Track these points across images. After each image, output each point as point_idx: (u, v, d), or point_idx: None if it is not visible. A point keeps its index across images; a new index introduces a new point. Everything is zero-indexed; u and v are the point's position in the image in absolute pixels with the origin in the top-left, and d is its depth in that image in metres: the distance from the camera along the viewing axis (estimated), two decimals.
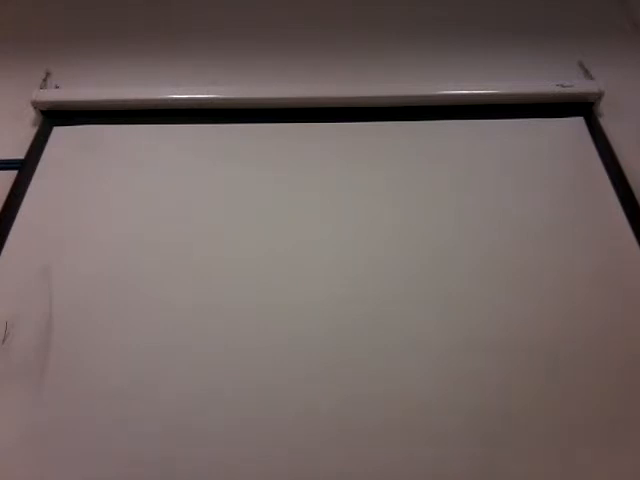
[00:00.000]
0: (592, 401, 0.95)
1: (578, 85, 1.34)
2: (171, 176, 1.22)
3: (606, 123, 1.31)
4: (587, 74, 1.38)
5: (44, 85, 1.38)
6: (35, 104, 1.32)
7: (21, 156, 1.26)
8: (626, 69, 1.43)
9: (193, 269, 1.09)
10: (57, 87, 1.39)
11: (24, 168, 1.23)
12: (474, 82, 1.38)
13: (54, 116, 1.33)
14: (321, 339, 1.01)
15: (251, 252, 1.11)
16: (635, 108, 1.35)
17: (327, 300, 1.05)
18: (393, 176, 1.22)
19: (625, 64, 1.44)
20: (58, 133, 1.29)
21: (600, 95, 1.32)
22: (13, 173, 1.23)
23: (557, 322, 1.02)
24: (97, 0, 1.56)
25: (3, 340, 0.99)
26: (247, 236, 1.13)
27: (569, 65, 1.42)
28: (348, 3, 1.56)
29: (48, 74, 1.41)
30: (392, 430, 0.93)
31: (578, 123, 1.31)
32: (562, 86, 1.33)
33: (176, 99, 1.34)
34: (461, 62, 1.45)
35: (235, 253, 1.11)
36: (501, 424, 0.93)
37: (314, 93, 1.34)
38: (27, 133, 1.30)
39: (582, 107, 1.33)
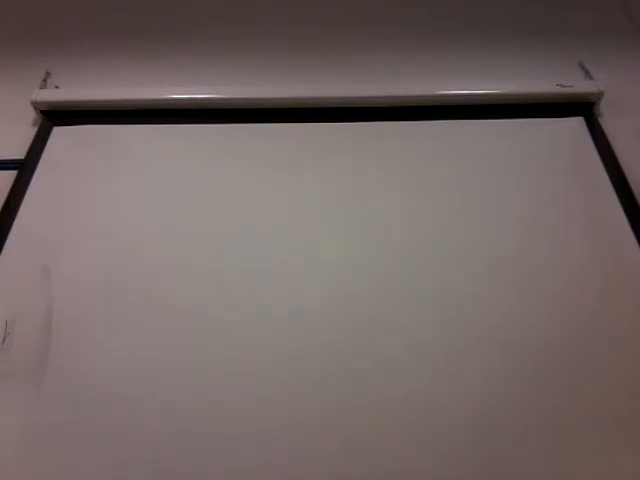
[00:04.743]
0: (593, 401, 0.95)
1: (578, 85, 1.34)
2: (171, 176, 1.22)
3: (606, 123, 1.31)
4: (587, 74, 1.39)
5: (44, 85, 1.38)
6: (35, 104, 1.32)
7: (21, 156, 1.26)
8: (626, 69, 1.43)
9: (193, 269, 1.09)
10: (57, 87, 1.39)
11: (24, 168, 1.23)
12: (474, 82, 1.38)
13: (54, 116, 1.33)
14: (322, 339, 1.01)
15: (251, 252, 1.11)
16: (635, 108, 1.35)
17: (327, 301, 1.05)
18: (393, 176, 1.22)
19: (625, 64, 1.44)
20: (58, 133, 1.29)
21: (600, 95, 1.32)
22: (13, 173, 1.23)
23: (558, 322, 1.02)
24: (97, 0, 1.56)
25: (3, 340, 0.99)
26: (247, 236, 1.13)
27: (569, 65, 1.43)
28: (348, 3, 1.55)
29: (48, 74, 1.41)
30: (394, 432, 0.93)
31: (578, 123, 1.31)
32: (562, 86, 1.33)
33: (176, 99, 1.34)
34: (461, 62, 1.45)
35: (235, 253, 1.11)
36: (503, 425, 0.93)
37: (314, 93, 1.34)
38: (27, 133, 1.30)
39: (582, 107, 1.33)
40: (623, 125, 1.31)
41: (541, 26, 1.51)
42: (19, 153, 1.26)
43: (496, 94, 1.34)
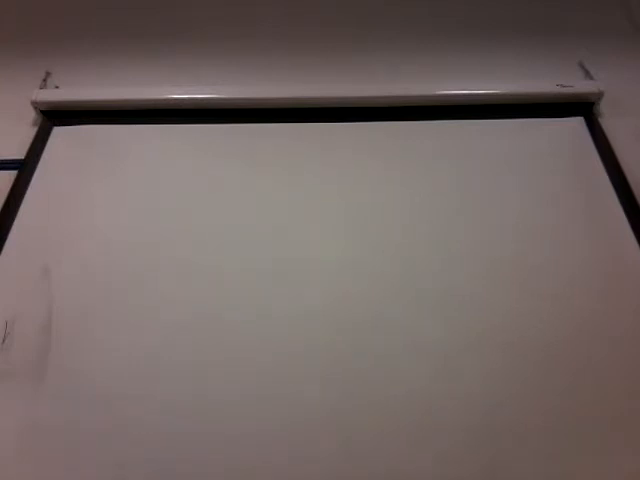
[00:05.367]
0: (593, 401, 0.95)
1: (578, 85, 1.34)
2: (171, 176, 1.22)
3: (606, 123, 1.31)
4: (587, 74, 1.39)
5: (44, 85, 1.38)
6: (35, 104, 1.32)
7: (21, 156, 1.26)
8: (626, 69, 1.43)
9: (193, 269, 1.09)
10: (57, 87, 1.39)
11: (24, 168, 1.23)
12: (474, 82, 1.38)
13: (54, 116, 1.33)
14: (322, 339, 1.01)
15: (251, 252, 1.11)
16: (635, 108, 1.35)
17: (327, 301, 1.05)
18: (392, 176, 1.22)
19: (625, 64, 1.44)
20: (58, 133, 1.29)
21: (600, 95, 1.32)
22: (13, 173, 1.23)
23: (558, 322, 1.02)
24: (97, 0, 1.56)
25: (3, 340, 0.99)
26: (247, 236, 1.13)
27: (569, 65, 1.43)
28: (348, 3, 1.56)
29: (48, 74, 1.41)
30: (394, 432, 0.93)
31: (578, 123, 1.31)
32: (562, 86, 1.33)
33: (176, 99, 1.34)
34: (461, 62, 1.45)
35: (235, 253, 1.11)
36: (503, 425, 0.93)
37: (314, 93, 1.34)
38: (27, 133, 1.30)
39: (582, 107, 1.33)
40: (623, 125, 1.31)
41: (541, 26, 1.51)
42: (19, 153, 1.26)
43: (496, 94, 1.34)
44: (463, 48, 1.47)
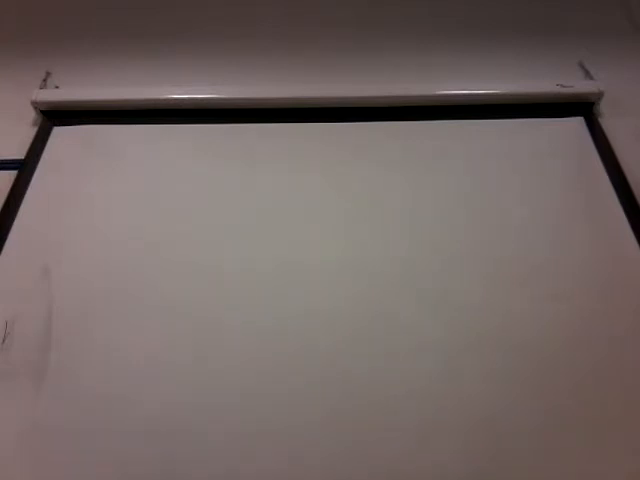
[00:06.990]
0: (593, 401, 0.95)
1: (578, 85, 1.34)
2: (171, 176, 1.22)
3: (606, 123, 1.31)
4: (587, 74, 1.39)
5: (44, 85, 1.38)
6: (35, 104, 1.32)
7: (21, 156, 1.26)
8: (626, 69, 1.43)
9: (193, 269, 1.09)
10: (57, 87, 1.39)
11: (24, 168, 1.23)
12: (474, 82, 1.38)
13: (54, 116, 1.33)
14: (322, 339, 1.01)
15: (251, 252, 1.11)
16: (635, 108, 1.35)
17: (327, 301, 1.05)
18: (392, 176, 1.22)
19: (625, 64, 1.44)
20: (58, 133, 1.29)
21: (600, 95, 1.33)
22: (13, 173, 1.23)
23: (558, 322, 1.02)
24: (97, 0, 1.56)
25: (3, 340, 0.99)
26: (247, 236, 1.13)
27: (569, 65, 1.43)
28: (348, 3, 1.56)
29: (48, 74, 1.41)
30: (394, 432, 0.93)
31: (578, 123, 1.31)
32: (562, 86, 1.33)
33: (176, 99, 1.34)
34: (461, 62, 1.45)
35: (235, 253, 1.11)
36: (503, 425, 0.93)
37: (314, 93, 1.34)
38: (27, 133, 1.30)
39: (582, 107, 1.34)
40: (623, 125, 1.31)
41: (541, 26, 1.51)
42: (19, 153, 1.26)
43: (496, 94, 1.34)
44: (463, 48, 1.47)
